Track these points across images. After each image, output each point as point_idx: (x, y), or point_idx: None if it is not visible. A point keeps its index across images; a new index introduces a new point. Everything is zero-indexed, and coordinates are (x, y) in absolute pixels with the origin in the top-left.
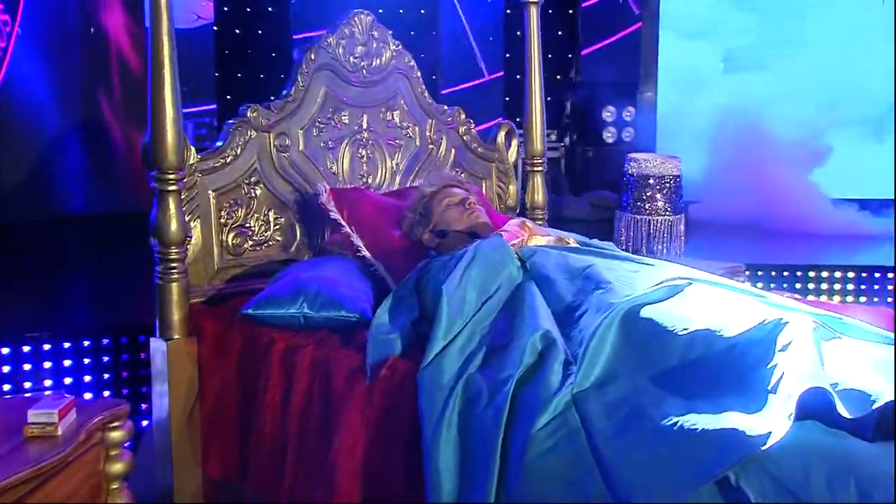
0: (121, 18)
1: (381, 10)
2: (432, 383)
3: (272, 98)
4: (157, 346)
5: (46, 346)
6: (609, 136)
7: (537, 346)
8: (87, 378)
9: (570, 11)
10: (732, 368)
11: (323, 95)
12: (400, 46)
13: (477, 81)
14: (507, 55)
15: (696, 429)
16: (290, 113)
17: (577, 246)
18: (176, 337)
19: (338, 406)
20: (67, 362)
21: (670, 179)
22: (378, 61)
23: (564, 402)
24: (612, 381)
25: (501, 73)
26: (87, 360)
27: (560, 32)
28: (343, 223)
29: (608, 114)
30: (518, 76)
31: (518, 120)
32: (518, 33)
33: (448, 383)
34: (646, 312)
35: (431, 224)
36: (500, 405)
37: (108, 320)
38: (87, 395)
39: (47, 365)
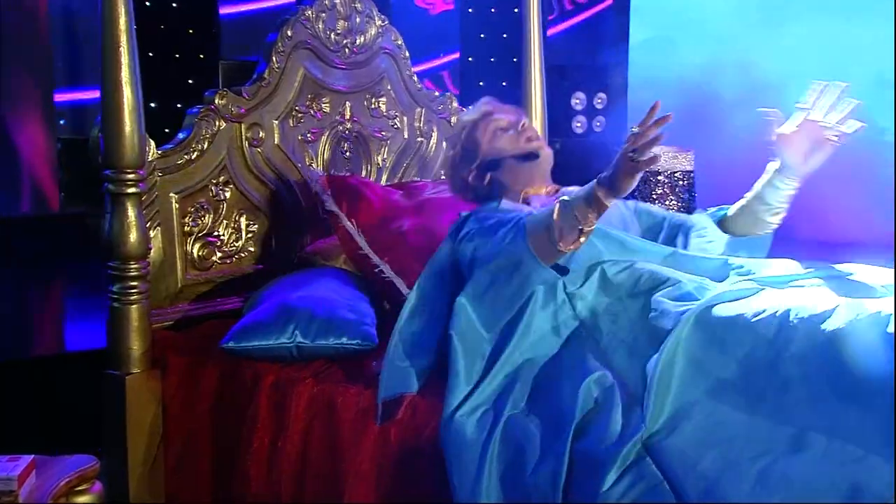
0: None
1: None
2: (458, 439)
3: (190, 82)
4: (111, 381)
5: None
6: (579, 126)
7: (592, 392)
8: None
9: None
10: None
11: (301, 79)
12: (387, 22)
13: (428, 65)
14: (462, 35)
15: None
16: (263, 99)
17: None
18: (135, 371)
19: (344, 455)
20: None
21: (683, 175)
22: (362, 38)
23: (635, 451)
24: (687, 413)
25: (457, 56)
26: None
27: (516, 10)
28: (342, 216)
29: (577, 101)
30: (470, 58)
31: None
32: (470, 10)
33: (479, 436)
34: (719, 311)
35: (478, 159)
36: (556, 470)
37: None
38: None
39: None
